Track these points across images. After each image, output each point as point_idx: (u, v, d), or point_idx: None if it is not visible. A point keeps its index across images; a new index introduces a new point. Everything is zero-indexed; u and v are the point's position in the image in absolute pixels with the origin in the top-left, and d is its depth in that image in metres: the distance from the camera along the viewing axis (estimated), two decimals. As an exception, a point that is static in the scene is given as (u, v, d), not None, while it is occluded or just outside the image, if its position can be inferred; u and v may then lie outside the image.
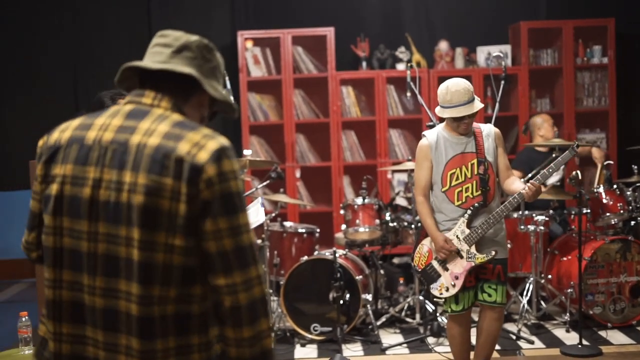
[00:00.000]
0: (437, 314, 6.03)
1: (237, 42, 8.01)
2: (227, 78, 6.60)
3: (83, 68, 8.18)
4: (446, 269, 4.66)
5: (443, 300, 4.76)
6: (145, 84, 2.21)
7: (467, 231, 4.61)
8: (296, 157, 8.14)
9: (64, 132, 2.20)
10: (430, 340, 5.95)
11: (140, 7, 8.37)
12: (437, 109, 4.67)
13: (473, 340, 4.93)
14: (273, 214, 6.77)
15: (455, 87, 4.59)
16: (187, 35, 2.24)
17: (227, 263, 2.04)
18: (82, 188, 2.10)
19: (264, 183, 6.40)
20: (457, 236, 4.62)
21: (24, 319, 4.06)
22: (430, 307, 6.17)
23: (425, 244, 4.75)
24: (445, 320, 5.45)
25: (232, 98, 2.33)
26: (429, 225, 4.67)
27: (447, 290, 4.65)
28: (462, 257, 4.64)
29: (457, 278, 4.64)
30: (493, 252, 4.62)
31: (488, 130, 4.74)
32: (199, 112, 2.26)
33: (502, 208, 4.59)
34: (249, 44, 8.13)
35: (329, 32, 8.01)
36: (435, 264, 4.70)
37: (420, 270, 4.75)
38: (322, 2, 8.46)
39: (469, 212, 4.61)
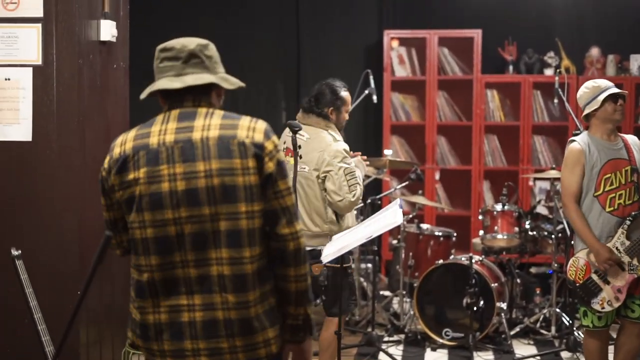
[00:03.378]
0: (574, 328, 5.86)
1: (383, 41, 8.03)
2: (371, 77, 6.67)
3: (231, 67, 8.34)
4: (607, 282, 4.50)
5: (583, 315, 4.60)
6: (172, 94, 2.58)
7: (628, 243, 4.45)
8: (436, 159, 8.09)
9: (124, 144, 2.56)
10: (565, 354, 5.79)
11: (289, 5, 8.50)
12: (589, 105, 4.55)
13: (610, 357, 4.76)
14: (410, 216, 6.75)
15: (593, 80, 4.64)
16: (186, 41, 2.59)
17: (289, 215, 2.57)
18: (160, 184, 2.49)
19: (403, 184, 6.40)
20: (616, 248, 4.47)
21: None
22: (566, 320, 6.01)
23: (581, 257, 4.57)
24: (582, 335, 5.28)
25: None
26: (588, 236, 4.48)
27: (610, 304, 4.49)
28: (623, 269, 4.48)
29: (619, 291, 4.48)
30: None
31: (633, 140, 4.64)
32: (218, 100, 2.67)
33: None
34: (395, 43, 8.13)
35: (477, 34, 7.92)
36: (595, 277, 4.53)
37: (579, 284, 4.58)
38: (470, 3, 8.37)
39: (628, 222, 4.45)
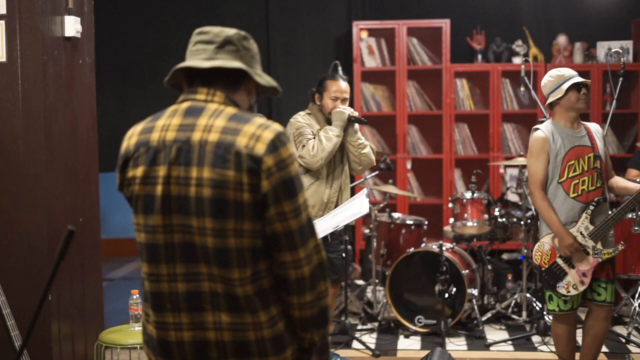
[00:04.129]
0: (544, 313, 5.94)
1: (352, 32, 8.06)
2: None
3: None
4: (572, 267, 4.56)
5: (549, 299, 4.67)
6: (196, 81, 2.36)
7: (591, 227, 4.51)
8: (407, 148, 8.14)
9: (130, 139, 2.36)
10: (536, 338, 5.86)
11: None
12: (553, 94, 4.58)
13: (579, 340, 4.84)
14: (382, 205, 6.79)
15: (557, 69, 4.67)
16: (225, 29, 2.38)
17: (292, 241, 2.22)
18: (155, 186, 2.25)
19: (373, 173, 6.44)
20: (580, 232, 4.53)
21: (135, 297, 4.20)
22: (537, 305, 6.08)
23: (546, 242, 4.63)
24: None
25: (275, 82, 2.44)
26: (554, 222, 4.54)
27: (575, 287, 4.56)
28: (588, 253, 4.55)
29: (584, 275, 4.55)
30: (620, 247, 4.55)
31: (595, 128, 4.69)
32: (248, 99, 2.42)
33: (629, 203, 4.49)
34: (364, 34, 8.16)
35: (445, 24, 7.96)
36: (560, 261, 4.59)
37: (544, 269, 4.65)
38: (439, -7, 8.42)
39: (591, 207, 4.51)
